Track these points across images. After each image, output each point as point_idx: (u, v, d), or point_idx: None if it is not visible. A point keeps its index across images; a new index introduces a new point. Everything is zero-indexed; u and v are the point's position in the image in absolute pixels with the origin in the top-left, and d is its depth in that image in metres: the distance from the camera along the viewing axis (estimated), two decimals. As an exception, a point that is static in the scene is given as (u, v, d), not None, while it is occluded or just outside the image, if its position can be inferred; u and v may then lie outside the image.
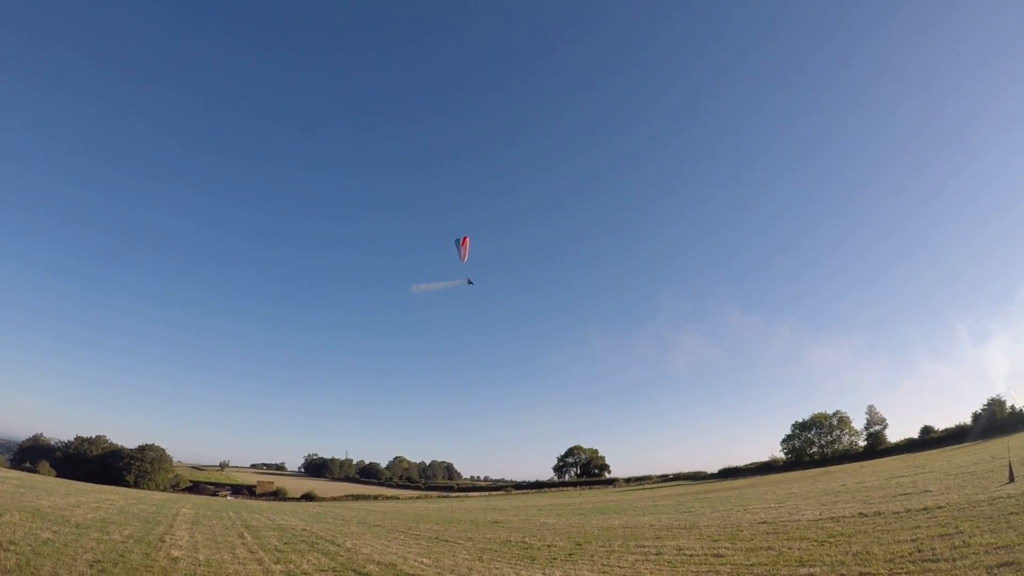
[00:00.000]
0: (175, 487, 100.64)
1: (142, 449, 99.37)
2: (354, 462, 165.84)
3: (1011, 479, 26.97)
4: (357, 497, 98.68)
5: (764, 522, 25.46)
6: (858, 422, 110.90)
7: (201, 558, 19.64)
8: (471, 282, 44.83)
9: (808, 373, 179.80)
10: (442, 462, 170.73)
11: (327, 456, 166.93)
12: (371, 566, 19.22)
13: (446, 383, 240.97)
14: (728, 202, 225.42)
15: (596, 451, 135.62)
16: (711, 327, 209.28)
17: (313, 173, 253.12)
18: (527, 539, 26.82)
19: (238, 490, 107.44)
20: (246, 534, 29.29)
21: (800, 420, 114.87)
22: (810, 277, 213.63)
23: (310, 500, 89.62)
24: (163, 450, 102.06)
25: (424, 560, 20.87)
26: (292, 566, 19.06)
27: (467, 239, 42.75)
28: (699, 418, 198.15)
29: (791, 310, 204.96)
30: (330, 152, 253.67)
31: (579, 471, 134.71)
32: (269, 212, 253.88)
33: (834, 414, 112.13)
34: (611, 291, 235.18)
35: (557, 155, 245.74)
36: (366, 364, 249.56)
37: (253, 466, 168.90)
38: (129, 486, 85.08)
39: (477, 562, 20.39)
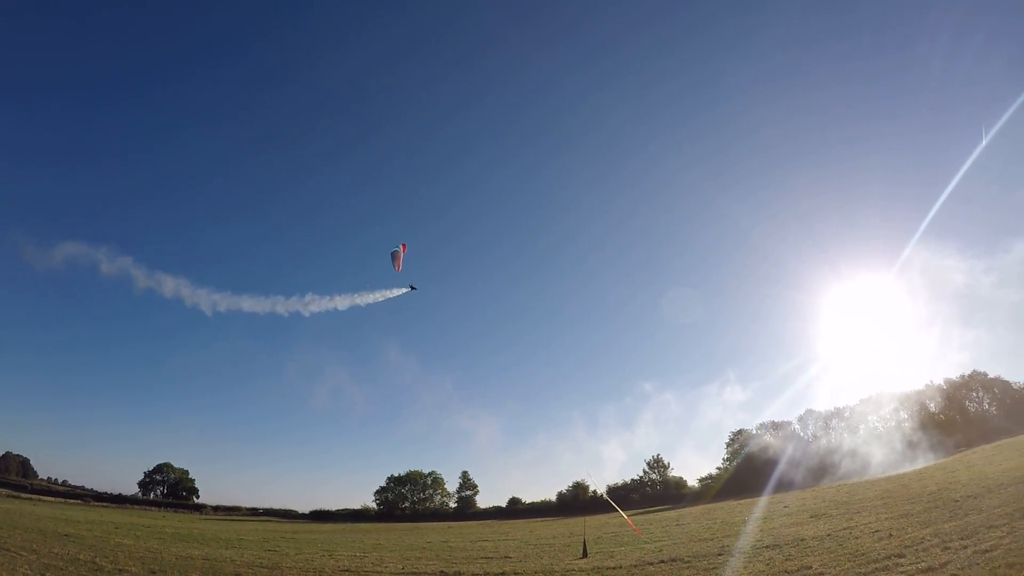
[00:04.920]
0: None
1: None
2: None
3: (584, 554, 31.36)
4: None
5: (347, 570, 28.06)
6: (452, 484, 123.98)
7: None
8: (413, 287, 52.32)
9: (444, 433, 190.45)
10: (18, 455, 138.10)
11: None
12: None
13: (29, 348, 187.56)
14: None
15: (187, 472, 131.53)
16: (360, 357, 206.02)
17: None
18: (98, 559, 26.76)
19: None
20: None
21: (396, 474, 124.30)
22: (476, 346, 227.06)
23: None
24: None
25: (-25, 571, 20.19)
26: None
27: (404, 247, 47.84)
28: (308, 454, 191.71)
29: (454, 367, 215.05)
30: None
31: (166, 491, 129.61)
32: None
33: (429, 473, 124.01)
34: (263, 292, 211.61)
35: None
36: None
37: None
38: None
39: (37, 580, 19.93)
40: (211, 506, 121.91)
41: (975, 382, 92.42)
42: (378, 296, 58.80)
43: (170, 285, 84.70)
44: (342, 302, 65.65)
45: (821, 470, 79.31)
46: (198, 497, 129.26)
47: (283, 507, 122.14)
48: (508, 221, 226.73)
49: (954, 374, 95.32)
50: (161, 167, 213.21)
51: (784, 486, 73.06)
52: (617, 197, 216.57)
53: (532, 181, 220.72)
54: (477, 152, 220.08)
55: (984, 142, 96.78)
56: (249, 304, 77.83)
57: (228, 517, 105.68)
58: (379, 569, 28.40)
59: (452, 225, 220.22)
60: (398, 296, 55.33)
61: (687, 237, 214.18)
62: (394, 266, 48.16)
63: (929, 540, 21.82)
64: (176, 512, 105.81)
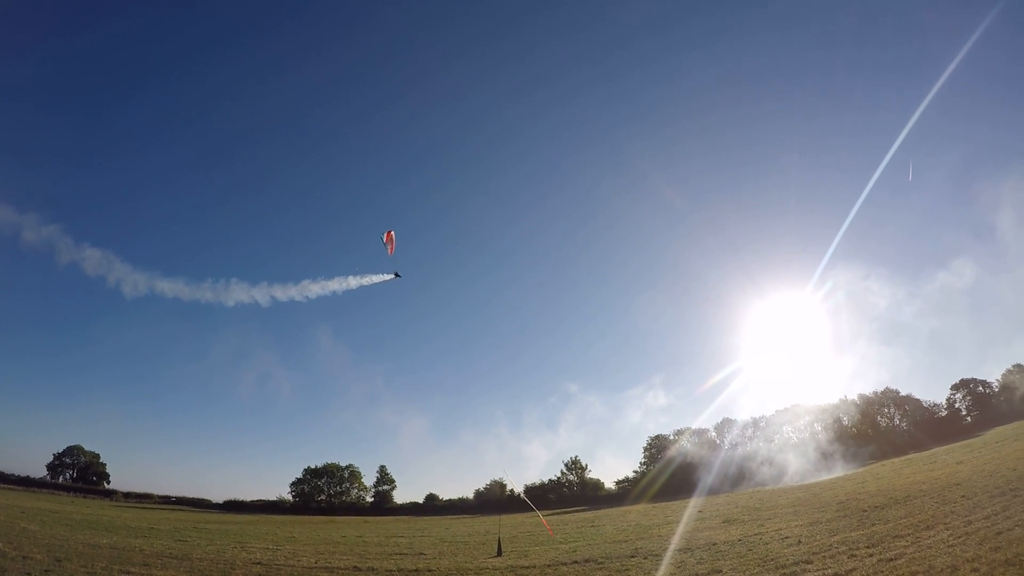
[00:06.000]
0: None
1: None
2: None
3: (499, 553, 31.79)
4: None
5: (259, 563, 28.03)
6: (369, 478, 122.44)
7: None
8: (399, 275, 53.37)
9: (370, 426, 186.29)
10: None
11: None
12: None
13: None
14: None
15: (98, 456, 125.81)
16: (291, 343, 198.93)
17: None
18: (2, 546, 26.85)
19: None
20: None
21: (313, 466, 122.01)
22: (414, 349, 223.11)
23: None
24: None
25: None
26: None
27: (391, 233, 49.17)
28: (226, 441, 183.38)
29: (386, 359, 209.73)
30: None
31: (76, 475, 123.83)
32: None
33: (347, 466, 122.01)
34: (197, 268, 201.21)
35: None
36: None
37: None
38: None
39: (-63, 569, 20.21)
40: (122, 492, 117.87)
41: (887, 398, 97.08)
42: (364, 281, 60.43)
43: (95, 259, 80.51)
44: (332, 286, 66.87)
45: (737, 477, 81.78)
46: (109, 482, 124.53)
47: (196, 496, 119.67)
48: (450, 225, 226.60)
49: (869, 390, 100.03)
50: (148, 164, 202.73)
51: (700, 491, 74.59)
52: (557, 218, 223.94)
53: (479, 195, 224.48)
54: (428, 165, 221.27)
55: (885, 163, 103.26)
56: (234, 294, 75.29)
57: (139, 504, 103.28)
58: (292, 562, 28.56)
59: (392, 225, 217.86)
60: (383, 282, 57.45)
61: (619, 254, 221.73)
62: (387, 250, 49.92)
63: (837, 547, 22.26)
64: (86, 497, 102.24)
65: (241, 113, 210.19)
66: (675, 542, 29.63)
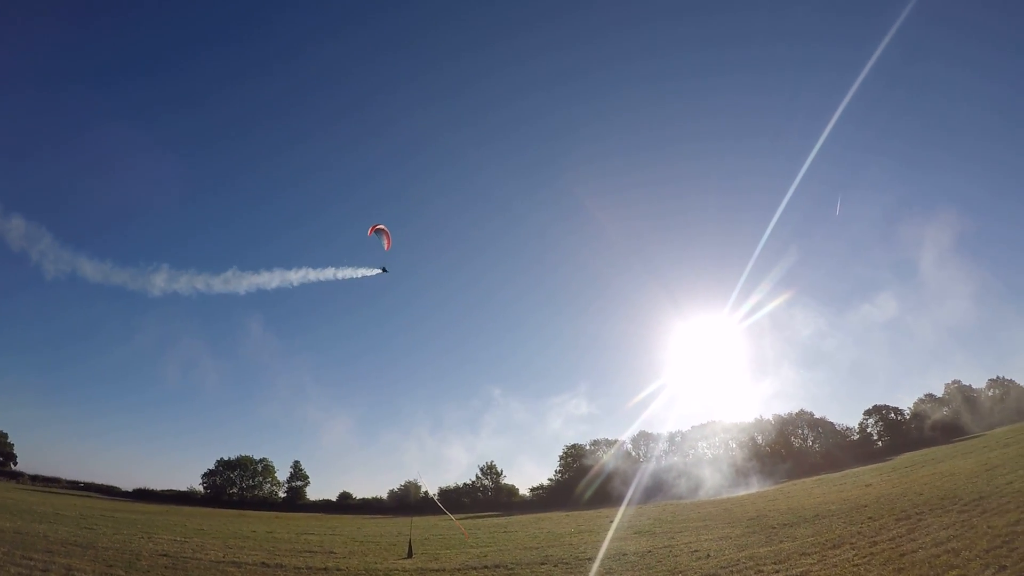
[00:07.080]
0: None
1: None
2: None
3: (410, 554, 31.87)
4: None
5: (166, 555, 28.11)
6: (283, 473, 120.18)
7: None
8: (385, 270, 54.75)
9: (293, 420, 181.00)
10: None
11: None
12: None
13: None
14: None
15: (6, 436, 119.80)
16: (221, 328, 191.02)
17: None
18: None
19: None
20: None
21: (226, 458, 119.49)
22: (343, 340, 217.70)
23: None
24: None
25: None
26: None
27: (376, 227, 49.47)
28: (139, 426, 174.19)
29: (315, 350, 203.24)
30: None
31: None
32: None
33: (260, 460, 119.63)
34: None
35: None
36: None
37: None
38: None
39: None
40: (29, 475, 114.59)
41: (802, 420, 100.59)
42: (350, 273, 60.56)
43: (20, 230, 76.34)
44: (322, 275, 65.67)
45: (652, 490, 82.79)
46: (16, 464, 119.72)
47: (106, 483, 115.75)
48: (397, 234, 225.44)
49: (785, 411, 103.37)
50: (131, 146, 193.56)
51: (613, 502, 75.30)
52: (497, 237, 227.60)
53: (427, 208, 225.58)
54: (390, 171, 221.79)
55: (795, 185, 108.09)
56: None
57: (47, 489, 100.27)
58: (199, 556, 28.54)
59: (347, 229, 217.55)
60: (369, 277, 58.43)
61: (556, 275, 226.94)
62: (383, 245, 50.77)
63: (744, 563, 22.19)
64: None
65: (220, 103, 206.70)
66: (586, 551, 29.47)
